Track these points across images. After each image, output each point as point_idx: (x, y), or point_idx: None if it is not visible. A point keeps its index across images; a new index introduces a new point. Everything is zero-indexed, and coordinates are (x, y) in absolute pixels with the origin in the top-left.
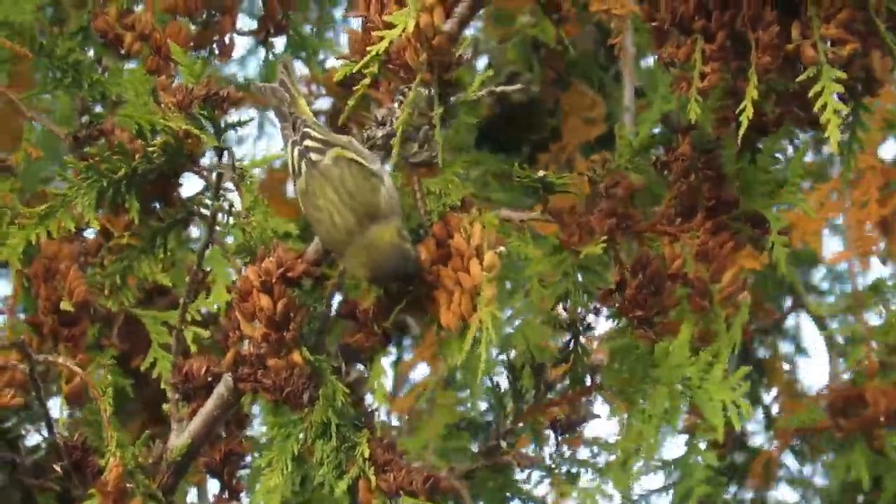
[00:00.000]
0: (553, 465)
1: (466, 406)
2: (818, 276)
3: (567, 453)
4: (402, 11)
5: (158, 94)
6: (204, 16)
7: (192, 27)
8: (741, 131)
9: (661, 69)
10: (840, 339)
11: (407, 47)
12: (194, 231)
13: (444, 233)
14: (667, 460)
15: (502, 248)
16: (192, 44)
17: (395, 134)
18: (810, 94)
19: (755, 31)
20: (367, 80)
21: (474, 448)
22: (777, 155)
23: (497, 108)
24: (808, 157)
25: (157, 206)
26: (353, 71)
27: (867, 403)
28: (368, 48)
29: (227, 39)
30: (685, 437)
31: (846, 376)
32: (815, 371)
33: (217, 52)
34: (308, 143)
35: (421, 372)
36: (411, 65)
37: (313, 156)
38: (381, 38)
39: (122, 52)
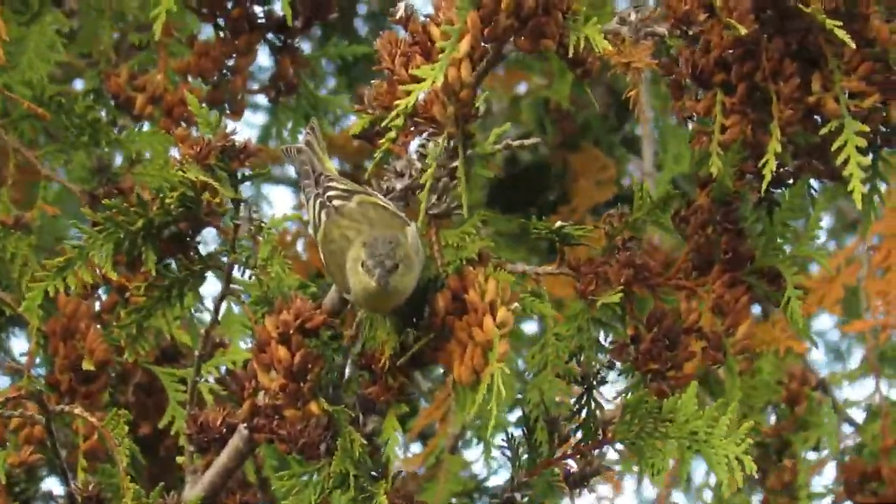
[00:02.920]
0: None
1: (472, 470)
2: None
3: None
4: (431, 65)
5: (177, 146)
6: (215, 76)
7: (204, 87)
8: (763, 185)
9: (680, 123)
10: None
11: (434, 101)
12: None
13: (460, 286)
14: None
15: (516, 305)
16: (203, 104)
17: (415, 186)
18: (832, 147)
19: (776, 84)
20: (392, 134)
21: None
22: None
23: (506, 170)
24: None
25: (174, 261)
26: (383, 125)
27: (883, 481)
28: (395, 101)
29: (238, 98)
30: None
31: (849, 443)
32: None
33: (228, 111)
34: (330, 193)
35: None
36: (438, 118)
37: (336, 202)
38: (408, 92)
39: (134, 113)
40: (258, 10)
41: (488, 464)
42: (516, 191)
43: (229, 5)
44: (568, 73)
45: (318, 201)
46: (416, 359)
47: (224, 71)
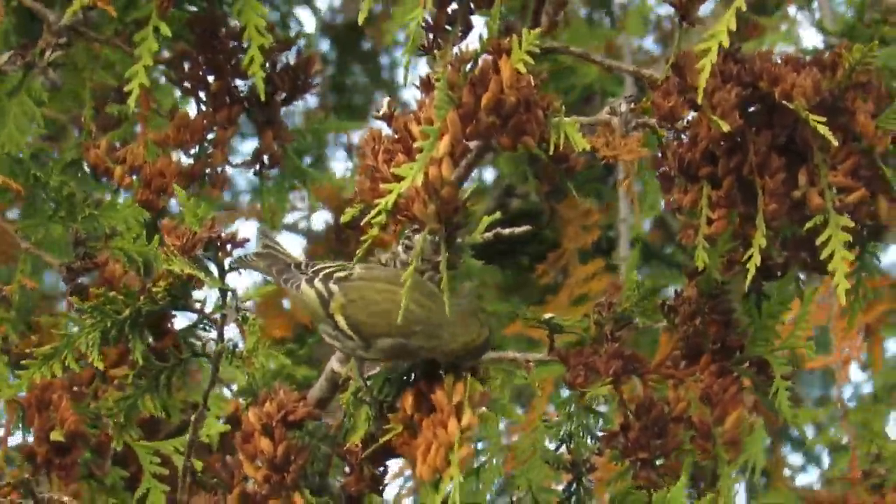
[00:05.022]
0: None
1: None
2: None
3: None
4: (411, 164)
5: (163, 235)
6: (196, 149)
7: (184, 159)
8: (748, 277)
9: (669, 214)
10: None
11: (415, 199)
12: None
13: (427, 386)
14: None
15: (483, 409)
16: (183, 177)
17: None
18: (818, 241)
19: (762, 178)
20: (374, 231)
21: None
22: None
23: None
24: None
25: (151, 340)
26: (364, 221)
27: None
28: (377, 199)
29: (219, 171)
30: None
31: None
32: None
33: (210, 184)
34: (326, 271)
35: None
36: (419, 216)
37: (339, 274)
38: (390, 190)
39: (113, 184)
40: (240, 83)
41: None
42: (505, 241)
43: (210, 79)
44: None
45: (314, 281)
46: (386, 450)
47: (205, 144)
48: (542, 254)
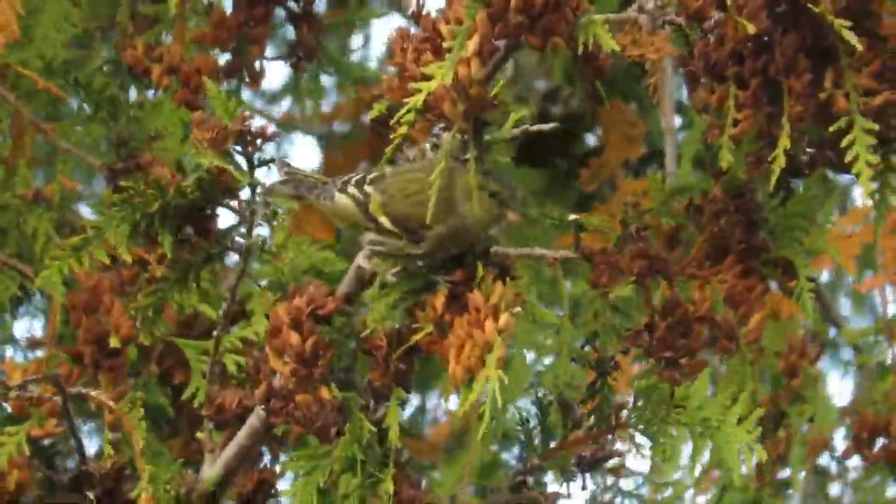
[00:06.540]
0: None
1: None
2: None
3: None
4: (440, 63)
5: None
6: (233, 46)
7: (222, 57)
8: (772, 179)
9: (695, 114)
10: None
11: (445, 98)
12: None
13: (460, 286)
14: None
15: (519, 309)
16: (221, 74)
17: None
18: (842, 143)
19: (788, 79)
20: (403, 129)
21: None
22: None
23: (537, 124)
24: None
25: (192, 237)
26: (393, 120)
27: (891, 434)
28: (405, 98)
29: (256, 67)
30: None
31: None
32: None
33: (247, 79)
34: (356, 178)
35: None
36: (448, 115)
37: (371, 176)
38: (419, 89)
39: (151, 84)
40: None
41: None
42: (547, 144)
43: None
44: None
45: (348, 188)
46: (413, 348)
47: (241, 40)
48: (583, 159)
